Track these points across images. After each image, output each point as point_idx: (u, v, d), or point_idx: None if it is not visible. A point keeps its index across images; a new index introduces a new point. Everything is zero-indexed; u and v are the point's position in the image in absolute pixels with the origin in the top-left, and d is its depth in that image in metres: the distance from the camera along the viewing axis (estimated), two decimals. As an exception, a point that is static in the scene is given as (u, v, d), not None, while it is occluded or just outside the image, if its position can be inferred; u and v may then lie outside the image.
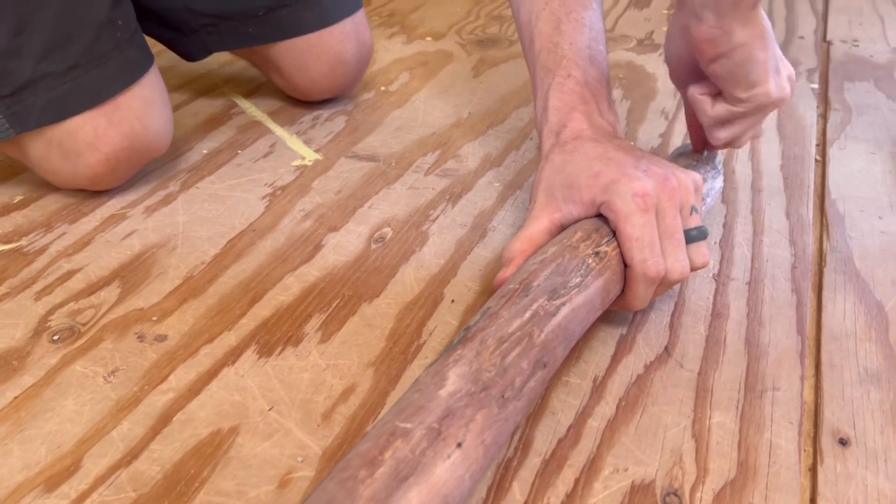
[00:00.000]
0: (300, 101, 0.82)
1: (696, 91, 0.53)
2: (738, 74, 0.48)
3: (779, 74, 0.50)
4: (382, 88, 0.87)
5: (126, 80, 0.59)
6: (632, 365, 0.46)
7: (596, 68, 0.54)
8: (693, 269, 0.47)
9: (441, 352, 0.46)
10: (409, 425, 0.32)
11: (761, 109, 0.51)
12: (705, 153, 0.58)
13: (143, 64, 0.61)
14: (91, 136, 0.58)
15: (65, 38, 0.56)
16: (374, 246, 0.58)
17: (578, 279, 0.43)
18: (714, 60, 0.48)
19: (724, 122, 0.53)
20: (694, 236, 0.47)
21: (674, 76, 0.56)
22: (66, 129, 0.58)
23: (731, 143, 0.55)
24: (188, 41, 0.75)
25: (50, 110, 0.57)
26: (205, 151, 0.72)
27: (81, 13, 0.57)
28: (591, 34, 0.54)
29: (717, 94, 0.52)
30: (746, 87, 0.49)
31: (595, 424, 0.42)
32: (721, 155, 0.60)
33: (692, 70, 0.53)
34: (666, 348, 0.48)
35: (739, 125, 0.53)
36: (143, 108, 0.60)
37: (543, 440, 0.41)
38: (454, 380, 0.35)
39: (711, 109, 0.52)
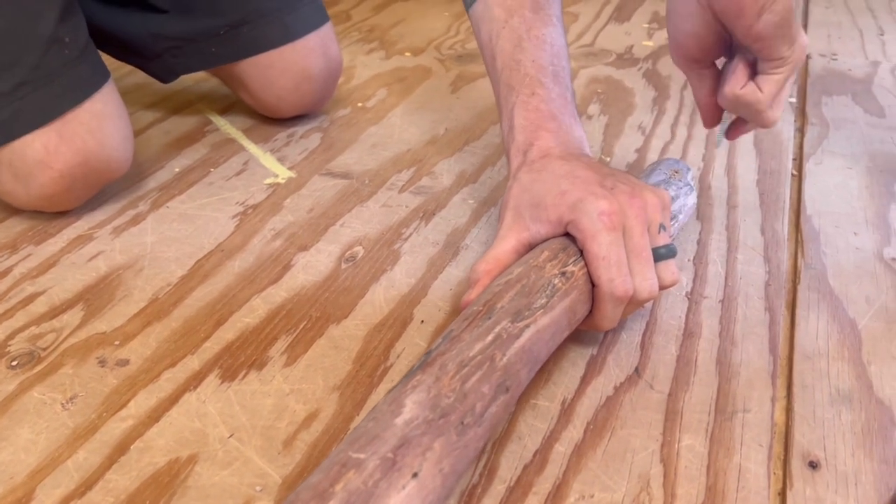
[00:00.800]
0: (275, 118, 0.81)
1: (737, 87, 0.51)
2: (784, 27, 0.46)
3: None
4: (359, 104, 0.86)
5: (76, 98, 0.58)
6: (601, 387, 0.46)
7: (560, 85, 0.53)
8: (662, 287, 0.46)
9: (407, 375, 0.45)
10: (362, 455, 0.31)
11: (795, 68, 0.49)
12: (677, 169, 0.58)
13: (94, 80, 0.60)
14: (41, 153, 0.57)
15: (10, 57, 0.55)
16: (344, 265, 0.57)
17: (544, 300, 0.42)
18: (759, 17, 0.46)
19: (779, 93, 0.51)
20: (662, 254, 0.46)
21: (682, 55, 0.54)
22: (14, 149, 0.57)
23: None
24: (154, 65, 0.75)
25: None
26: (177, 170, 0.72)
27: (26, 31, 0.56)
28: (552, 50, 0.54)
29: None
30: (790, 41, 0.47)
31: (562, 449, 0.41)
32: (692, 171, 0.60)
33: (706, 46, 0.51)
34: (636, 369, 0.47)
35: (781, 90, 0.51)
36: (95, 123, 0.59)
37: (508, 466, 0.40)
38: (411, 407, 0.34)
39: (763, 94, 0.50)
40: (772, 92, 0.50)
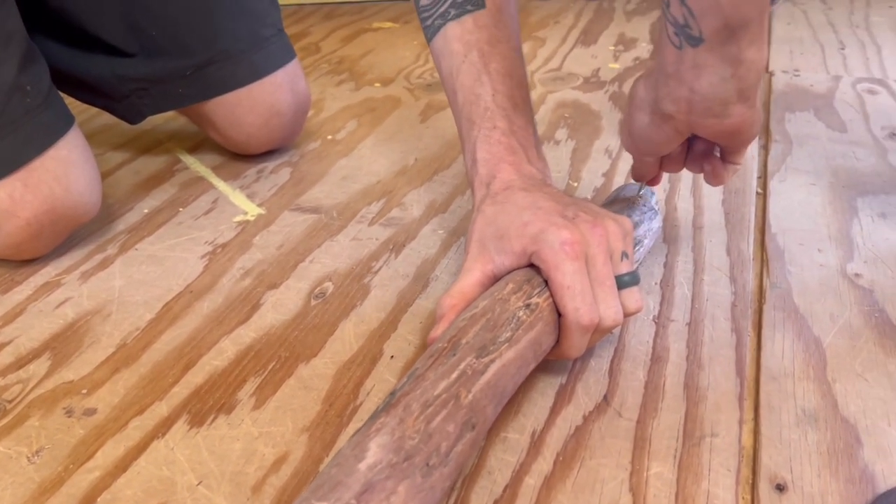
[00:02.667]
0: (244, 155, 0.81)
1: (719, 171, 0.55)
2: (757, 132, 0.49)
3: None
4: (329, 137, 0.87)
5: (40, 145, 0.58)
6: (571, 416, 0.46)
7: (521, 116, 0.54)
8: (626, 314, 0.47)
9: (376, 413, 0.45)
10: None
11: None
12: (640, 194, 0.59)
13: (58, 127, 0.60)
14: (7, 202, 0.57)
15: None
16: (313, 302, 0.57)
17: (509, 333, 0.42)
18: (747, 137, 0.48)
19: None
20: (626, 282, 0.47)
21: (639, 154, 0.55)
22: None
23: None
24: (121, 107, 0.75)
25: None
26: (146, 210, 0.71)
27: None
28: (512, 82, 0.55)
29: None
30: (746, 145, 0.51)
31: (532, 482, 0.41)
32: (657, 195, 0.60)
33: (666, 152, 0.53)
34: (605, 397, 0.47)
35: None
36: (61, 169, 0.59)
37: (479, 502, 0.40)
38: (375, 450, 0.34)
39: (730, 172, 0.54)
40: (733, 170, 0.55)
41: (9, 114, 0.57)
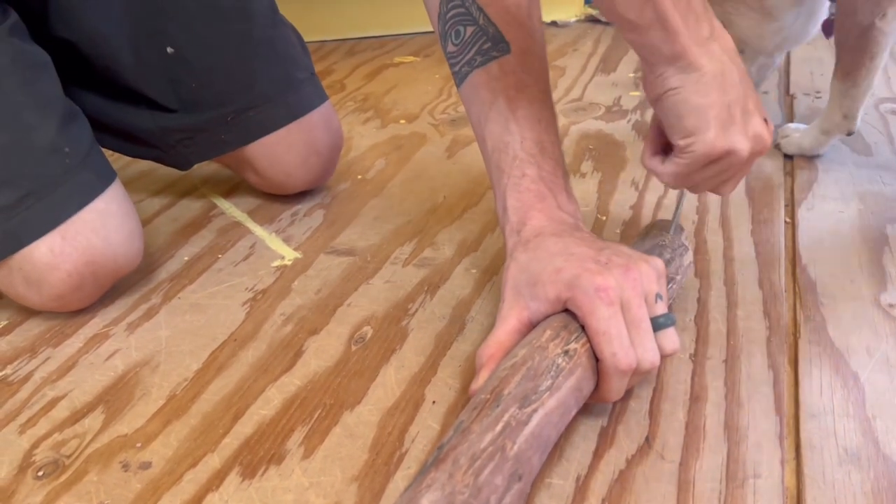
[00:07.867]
0: (278, 197, 0.84)
1: (645, 157, 0.54)
2: (671, 119, 0.49)
3: (732, 125, 0.48)
4: (359, 177, 0.89)
5: (80, 203, 0.60)
6: (614, 460, 0.46)
7: (549, 161, 0.55)
8: (663, 356, 0.48)
9: (423, 461, 0.46)
10: (383, 563, 0.32)
11: (708, 160, 0.49)
12: (671, 232, 0.59)
13: (97, 185, 0.62)
14: (48, 256, 0.59)
15: (11, 171, 0.58)
16: (354, 347, 0.59)
17: (549, 381, 0.43)
18: (654, 106, 0.49)
19: (680, 177, 0.52)
20: (661, 323, 0.47)
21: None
22: (22, 255, 0.59)
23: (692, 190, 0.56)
24: (169, 157, 0.78)
25: (6, 242, 0.58)
26: (186, 258, 0.73)
27: (26, 145, 0.59)
28: (540, 126, 0.56)
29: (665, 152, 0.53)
30: (682, 134, 0.49)
31: (578, 529, 0.42)
32: (686, 229, 0.61)
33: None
34: (647, 439, 0.48)
35: (695, 178, 0.52)
36: (99, 221, 0.61)
37: (527, 550, 0.41)
38: (428, 507, 0.35)
39: (662, 168, 0.52)
40: (670, 173, 0.51)
41: (47, 175, 0.59)
